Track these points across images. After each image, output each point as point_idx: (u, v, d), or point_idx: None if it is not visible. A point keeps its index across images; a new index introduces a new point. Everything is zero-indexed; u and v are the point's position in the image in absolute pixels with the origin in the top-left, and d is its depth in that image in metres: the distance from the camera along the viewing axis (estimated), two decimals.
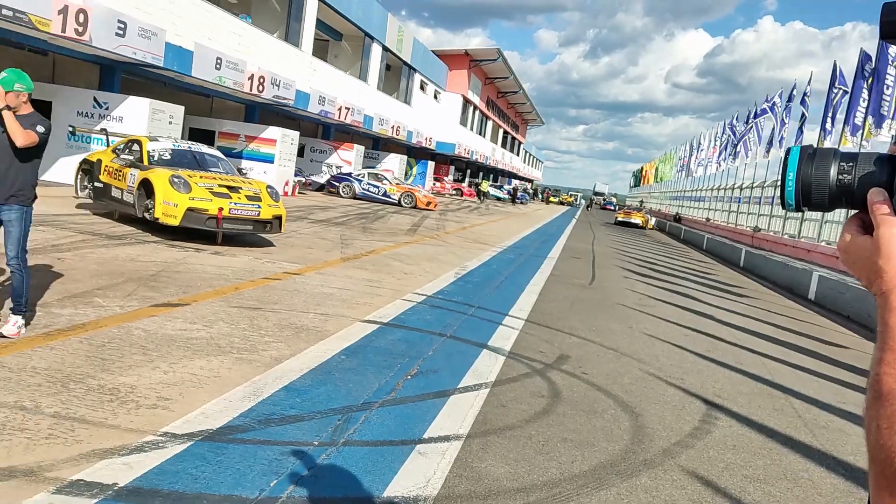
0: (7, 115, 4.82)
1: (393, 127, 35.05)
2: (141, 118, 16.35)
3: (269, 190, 11.23)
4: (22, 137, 4.84)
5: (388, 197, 27.63)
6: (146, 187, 10.44)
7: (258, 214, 10.57)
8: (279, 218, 10.96)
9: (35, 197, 5.18)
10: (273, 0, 24.18)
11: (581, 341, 7.63)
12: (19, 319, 5.08)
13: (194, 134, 21.54)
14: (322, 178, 29.54)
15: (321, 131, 32.32)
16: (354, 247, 12.85)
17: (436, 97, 45.76)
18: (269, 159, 22.72)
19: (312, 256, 10.86)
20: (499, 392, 5.30)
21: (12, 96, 4.87)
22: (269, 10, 24.12)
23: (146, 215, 10.41)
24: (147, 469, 3.28)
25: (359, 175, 28.50)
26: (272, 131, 22.86)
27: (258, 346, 5.62)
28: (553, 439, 4.49)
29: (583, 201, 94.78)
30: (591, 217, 55.15)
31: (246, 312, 6.63)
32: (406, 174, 38.70)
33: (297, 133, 24.52)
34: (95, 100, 16.58)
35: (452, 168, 55.80)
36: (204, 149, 12.36)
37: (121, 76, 17.40)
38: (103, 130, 13.71)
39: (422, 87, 41.99)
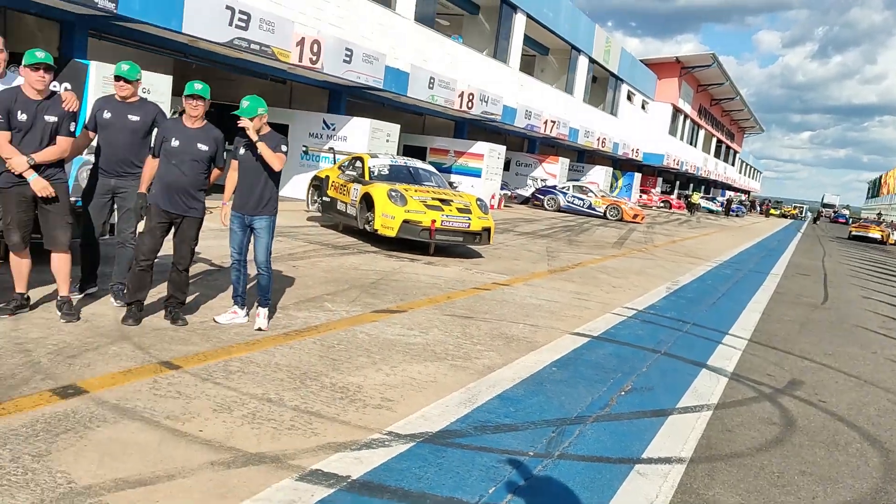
0: (261, 146, 5.38)
1: (599, 139, 34.53)
2: (362, 137, 17.56)
3: (478, 202, 11.52)
4: (279, 163, 5.42)
5: (594, 209, 27.22)
6: (367, 201, 11.17)
7: (468, 226, 10.87)
8: (488, 230, 11.19)
9: (277, 208, 5.73)
10: (483, 20, 24.89)
11: (815, 366, 6.93)
12: (265, 311, 5.65)
13: (408, 150, 22.73)
14: (527, 191, 29.81)
15: (526, 145, 32.67)
16: (561, 259, 12.78)
17: (643, 107, 44.43)
18: (476, 173, 23.36)
19: (519, 268, 10.95)
20: (723, 415, 4.96)
21: (257, 121, 5.43)
22: (478, 30, 24.87)
23: (367, 227, 11.12)
24: (375, 465, 3.45)
25: (563, 188, 28.39)
26: (480, 146, 23.48)
27: (471, 353, 5.74)
28: (789, 471, 4.10)
29: (809, 214, 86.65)
30: (820, 231, 50.34)
31: (458, 321, 6.82)
32: (611, 186, 37.91)
33: (504, 147, 24.96)
34: (324, 121, 18.09)
35: (660, 180, 53.74)
36: (418, 164, 12.98)
37: (346, 99, 18.82)
38: (331, 149, 14.89)
39: (629, 98, 40.97)
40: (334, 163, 14.23)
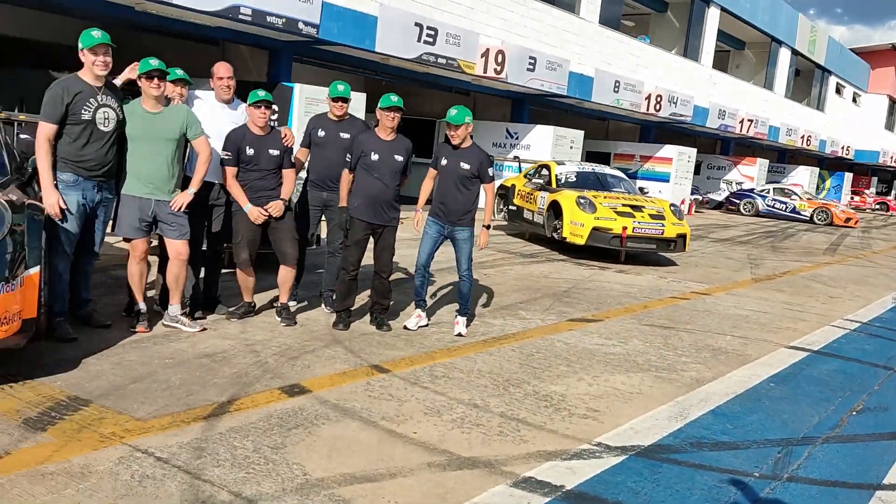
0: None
1: (803, 137, 31.85)
2: (546, 144, 17.51)
3: (672, 208, 11.04)
4: (491, 190, 5.74)
5: (798, 213, 25.11)
6: (555, 209, 11.08)
7: (662, 233, 10.44)
8: (683, 236, 10.68)
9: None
10: (672, 17, 23.93)
11: None
12: (464, 319, 5.76)
13: (591, 157, 22.31)
14: (720, 196, 28.14)
15: (719, 146, 30.88)
16: (765, 267, 11.89)
17: (855, 100, 40.38)
18: (664, 178, 22.43)
19: (719, 276, 10.33)
20: None
21: (463, 129, 5.57)
22: (667, 28, 23.95)
23: (554, 235, 11.04)
24: (588, 476, 3.37)
25: (762, 191, 26.47)
26: (668, 150, 22.54)
27: (676, 365, 5.47)
28: None
29: None
30: None
31: (658, 331, 6.54)
32: (817, 188, 34.79)
33: (694, 150, 23.78)
34: (507, 131, 18.27)
35: (875, 179, 48.49)
36: (606, 170, 12.71)
37: (528, 108, 18.88)
38: (516, 158, 14.99)
39: (838, 91, 37.42)
40: (519, 171, 14.31)
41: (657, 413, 4.37)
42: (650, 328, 6.62)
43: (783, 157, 35.13)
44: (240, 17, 10.45)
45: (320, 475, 3.15)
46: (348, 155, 5.55)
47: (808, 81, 34.27)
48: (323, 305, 6.17)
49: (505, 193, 13.43)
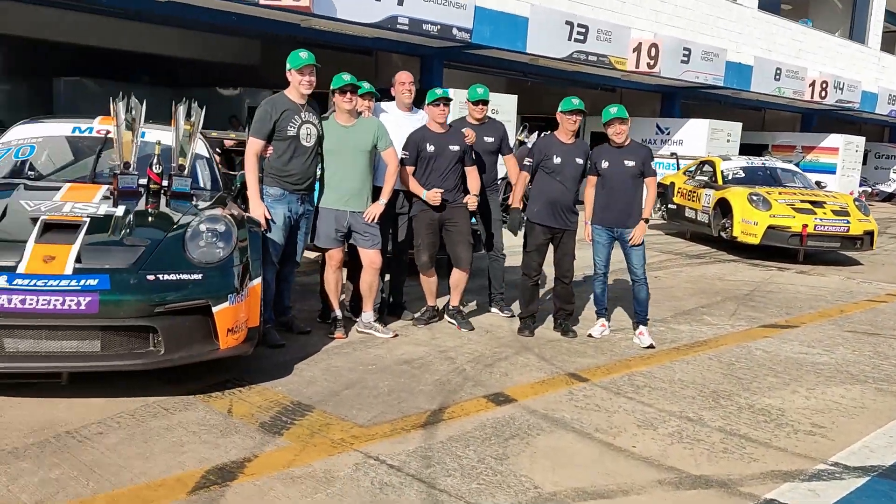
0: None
1: None
2: (700, 139, 16.73)
3: (856, 203, 10.23)
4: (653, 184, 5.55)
5: None
6: (722, 206, 10.54)
7: (847, 230, 9.66)
8: (871, 233, 9.84)
9: None
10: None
11: None
12: (646, 328, 5.54)
13: (745, 149, 21.07)
14: (889, 187, 25.85)
15: (887, 133, 28.37)
16: None
17: None
18: (829, 170, 20.83)
19: None
20: None
21: (626, 126, 5.42)
22: (828, 9, 22.29)
23: (722, 234, 10.49)
24: (835, 499, 3.12)
25: None
26: (833, 139, 20.93)
27: (894, 376, 5.01)
28: None
29: None
30: None
31: (864, 338, 6.02)
32: None
33: (863, 139, 21.97)
34: (658, 126, 17.62)
35: None
36: (777, 164, 11.96)
37: (680, 101, 18.14)
38: (673, 154, 14.41)
39: None
40: (677, 168, 13.75)
41: (889, 429, 4.00)
42: (854, 335, 6.11)
43: None
44: (398, 26, 10.71)
45: (551, 489, 3.10)
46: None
47: None
48: (494, 309, 6.13)
49: (663, 192, 12.93)
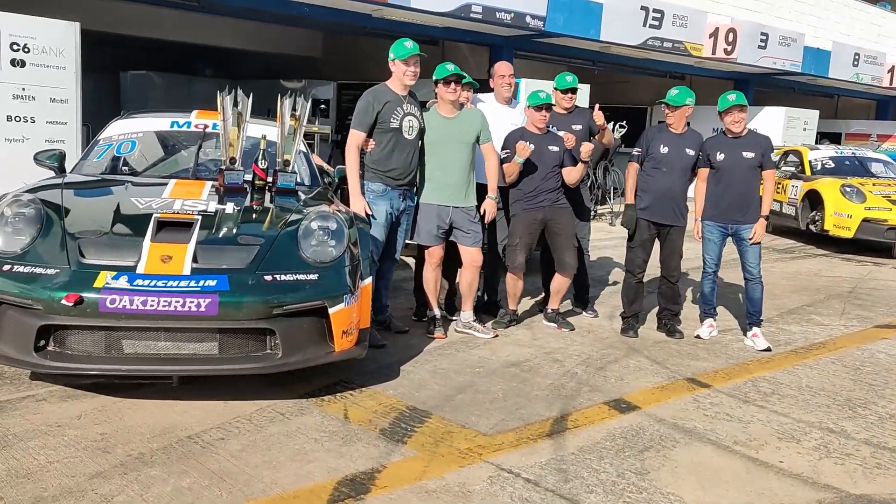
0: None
1: None
2: (775, 127, 16.07)
3: None
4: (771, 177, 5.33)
5: None
6: (811, 198, 10.06)
7: None
8: None
9: None
10: None
11: None
12: (759, 329, 5.25)
13: (819, 138, 20.33)
14: None
15: None
16: None
17: None
18: None
19: None
20: None
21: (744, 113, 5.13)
22: None
23: (811, 227, 10.02)
24: None
25: None
26: None
27: None
28: None
29: None
30: None
31: None
32: None
33: None
34: None
35: None
36: (869, 154, 11.40)
37: (753, 88, 17.48)
38: None
39: None
40: None
41: None
42: None
43: None
44: (471, 15, 10.49)
45: None
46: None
47: None
48: (582, 311, 5.88)
49: None
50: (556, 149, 5.23)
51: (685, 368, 4.62)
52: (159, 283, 3.32)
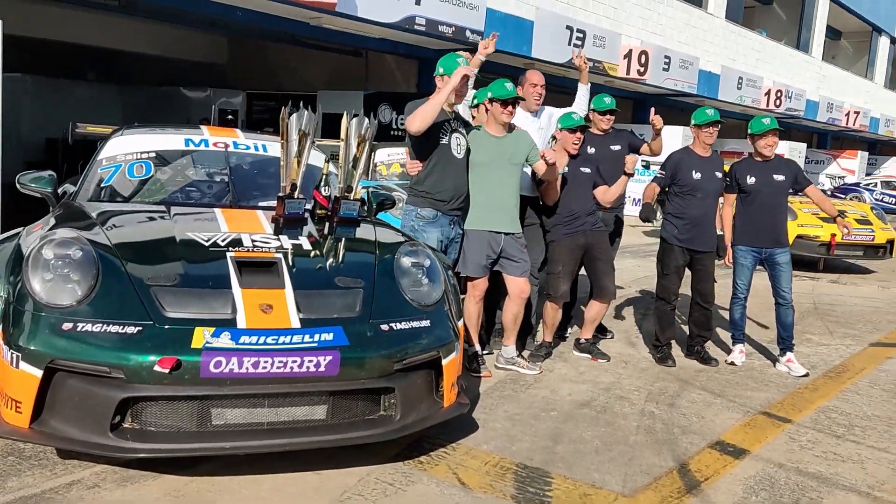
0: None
1: None
2: (675, 145, 16.82)
3: (874, 212, 10.40)
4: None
5: None
6: None
7: (872, 239, 9.80)
8: (892, 242, 10.01)
9: None
10: (777, 8, 23.10)
11: None
12: (792, 354, 5.25)
13: None
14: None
15: (815, 140, 29.82)
16: None
17: None
18: None
19: None
20: None
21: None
22: (774, 20, 23.14)
23: None
24: None
25: (868, 184, 25.37)
26: (781, 147, 21.67)
27: None
28: None
29: None
30: None
31: None
32: None
33: (805, 145, 22.92)
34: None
35: None
36: None
37: (652, 107, 18.25)
38: (645, 163, 14.43)
39: None
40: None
41: None
42: None
43: (874, 148, 33.83)
44: (415, 27, 10.12)
45: None
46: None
47: None
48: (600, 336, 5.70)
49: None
50: (587, 170, 5.00)
51: (748, 401, 4.49)
52: (269, 340, 2.70)
